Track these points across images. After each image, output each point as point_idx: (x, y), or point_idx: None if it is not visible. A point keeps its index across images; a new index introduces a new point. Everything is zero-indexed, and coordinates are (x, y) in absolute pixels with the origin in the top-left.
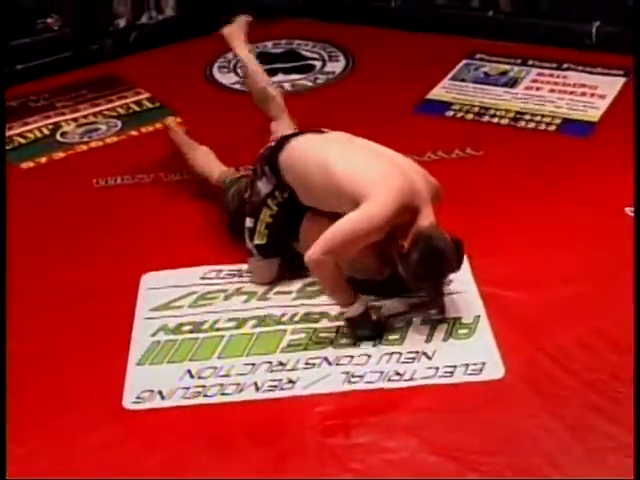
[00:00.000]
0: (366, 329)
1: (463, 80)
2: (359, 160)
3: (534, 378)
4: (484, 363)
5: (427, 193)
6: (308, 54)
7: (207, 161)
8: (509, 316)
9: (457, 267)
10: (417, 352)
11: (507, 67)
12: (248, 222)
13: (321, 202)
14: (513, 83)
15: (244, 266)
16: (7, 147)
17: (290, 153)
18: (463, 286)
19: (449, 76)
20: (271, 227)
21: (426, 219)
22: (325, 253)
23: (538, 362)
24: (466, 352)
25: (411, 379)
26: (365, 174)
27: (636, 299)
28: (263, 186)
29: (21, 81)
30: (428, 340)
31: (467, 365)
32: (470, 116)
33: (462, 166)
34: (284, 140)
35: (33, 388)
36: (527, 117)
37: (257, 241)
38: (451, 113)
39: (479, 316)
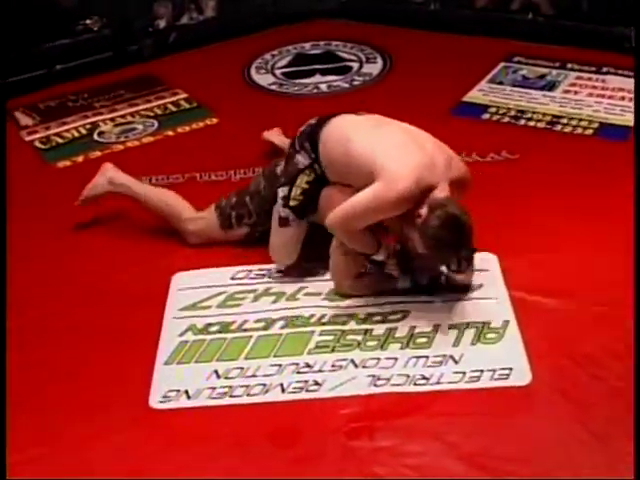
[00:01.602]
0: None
1: (501, 83)
2: (380, 137)
3: (561, 385)
4: (511, 369)
5: (446, 171)
6: (346, 55)
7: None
8: (538, 322)
9: (471, 241)
10: (444, 356)
11: (545, 70)
12: (281, 192)
13: (343, 177)
14: (551, 86)
15: (274, 266)
16: (44, 147)
17: (328, 130)
18: (493, 290)
19: (487, 79)
20: (306, 193)
21: (441, 192)
22: (343, 223)
23: (566, 369)
24: (493, 357)
25: (437, 383)
26: (383, 149)
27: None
28: (302, 159)
29: (61, 81)
30: (456, 344)
31: (494, 370)
32: (506, 119)
33: (497, 169)
34: (325, 118)
35: (61, 387)
36: (564, 121)
37: (292, 203)
38: (487, 116)
39: (508, 321)
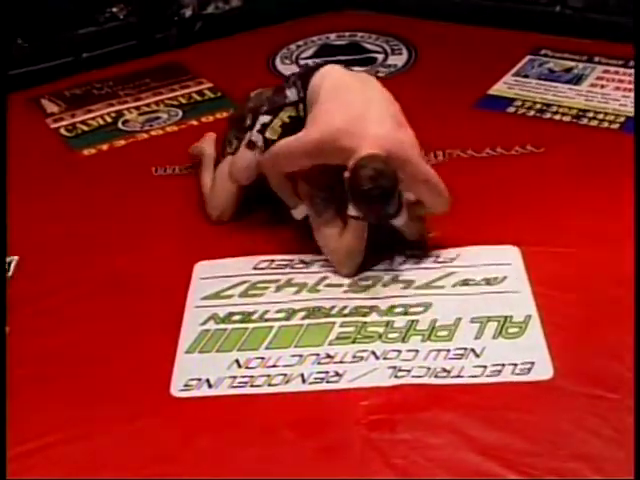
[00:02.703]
0: None
1: (526, 76)
2: (336, 97)
3: (582, 380)
4: (533, 363)
5: (376, 139)
6: (370, 47)
7: None
8: (560, 316)
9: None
10: (465, 349)
11: (572, 64)
12: (263, 119)
13: None
14: (578, 80)
15: (296, 257)
16: (70, 134)
17: (316, 77)
18: (515, 284)
19: (512, 72)
20: (285, 127)
21: (366, 151)
22: (271, 162)
23: (587, 364)
24: (515, 351)
25: (458, 376)
26: (322, 108)
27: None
28: (290, 94)
29: (86, 69)
30: (477, 337)
31: (515, 364)
32: (532, 113)
33: (521, 163)
34: (321, 64)
35: (82, 374)
36: (590, 115)
37: (268, 135)
38: (512, 109)
39: (530, 315)
